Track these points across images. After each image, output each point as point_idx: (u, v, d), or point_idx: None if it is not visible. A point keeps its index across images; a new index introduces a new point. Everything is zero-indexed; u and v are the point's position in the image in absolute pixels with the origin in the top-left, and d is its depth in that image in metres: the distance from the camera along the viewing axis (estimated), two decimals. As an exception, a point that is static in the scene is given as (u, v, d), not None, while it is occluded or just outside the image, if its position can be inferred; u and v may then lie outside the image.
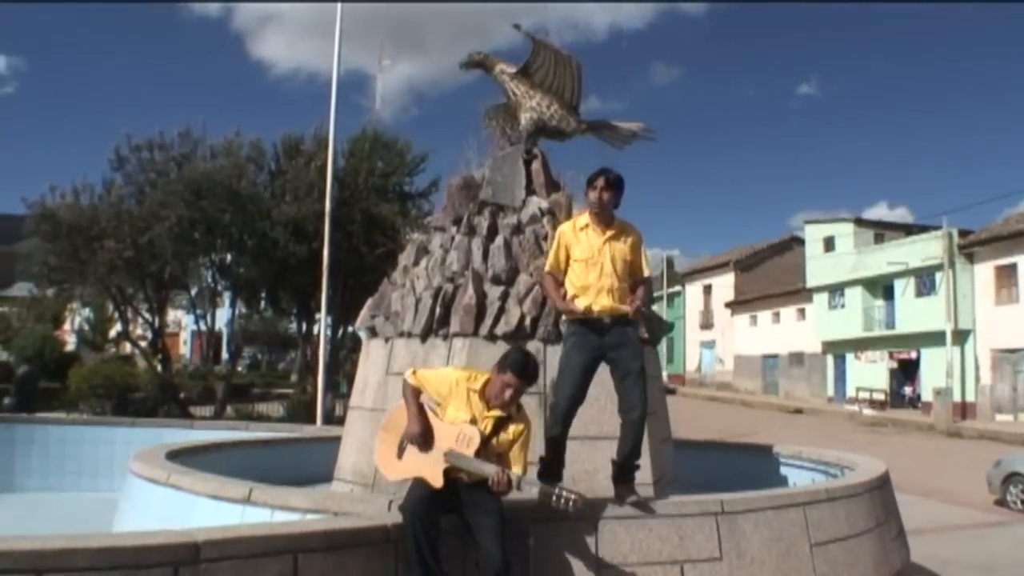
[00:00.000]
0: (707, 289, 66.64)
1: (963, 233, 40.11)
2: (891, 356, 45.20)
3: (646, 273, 6.16)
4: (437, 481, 5.04)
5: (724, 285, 63.34)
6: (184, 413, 24.74)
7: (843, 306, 48.45)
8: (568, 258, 6.01)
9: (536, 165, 8.88)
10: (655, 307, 8.66)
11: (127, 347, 39.27)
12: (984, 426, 34.26)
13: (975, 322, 39.07)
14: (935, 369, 39.81)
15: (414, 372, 5.47)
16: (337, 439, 8.82)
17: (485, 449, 5.11)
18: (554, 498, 5.04)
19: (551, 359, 7.38)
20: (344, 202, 24.26)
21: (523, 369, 5.22)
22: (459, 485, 5.12)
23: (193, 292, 29.17)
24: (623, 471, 5.82)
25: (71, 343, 49.75)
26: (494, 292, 7.84)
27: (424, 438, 5.17)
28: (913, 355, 43.43)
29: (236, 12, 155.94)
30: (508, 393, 5.18)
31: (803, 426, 34.96)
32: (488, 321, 7.67)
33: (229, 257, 26.51)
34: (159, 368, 28.42)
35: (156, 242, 23.48)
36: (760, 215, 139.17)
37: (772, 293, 56.31)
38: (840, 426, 35.67)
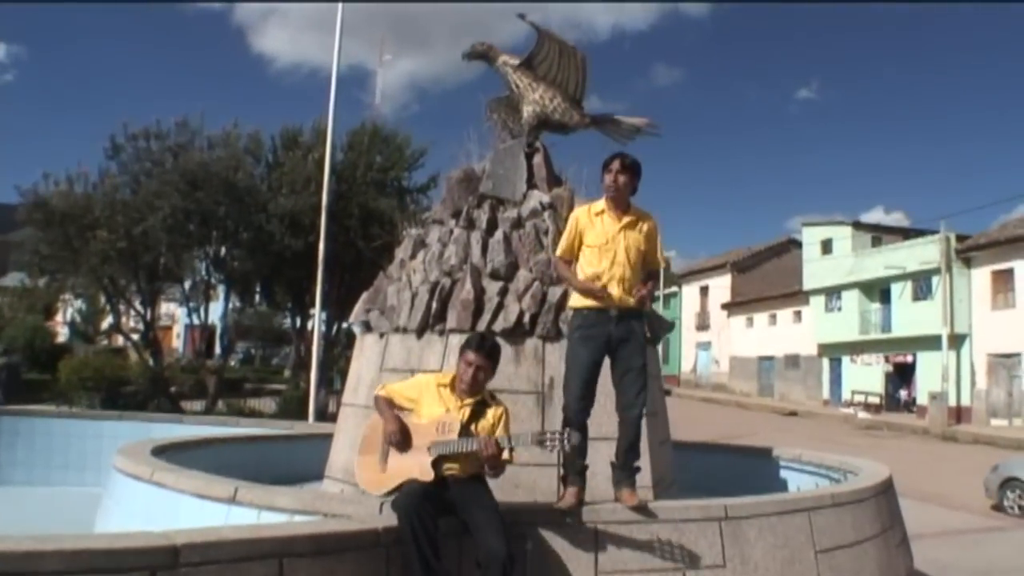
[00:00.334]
0: (704, 290, 66.47)
1: (960, 238, 39.98)
2: (887, 359, 45.10)
3: (660, 264, 5.96)
4: (427, 475, 4.95)
5: (721, 287, 63.18)
6: (175, 407, 24.50)
7: (840, 309, 48.34)
8: (580, 244, 5.80)
9: (538, 159, 8.70)
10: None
11: (119, 339, 39.00)
12: (979, 430, 34.17)
13: (971, 326, 38.93)
14: (931, 373, 39.65)
15: (383, 387, 5.50)
16: (329, 436, 8.64)
17: (469, 441, 4.99)
18: (548, 441, 4.94)
19: (550, 356, 7.23)
20: (342, 196, 24.03)
21: (480, 343, 5.23)
22: (452, 482, 5.00)
23: (187, 285, 28.92)
24: (623, 473, 5.61)
25: (63, 334, 49.55)
26: (492, 287, 7.66)
27: (403, 435, 5.11)
28: (909, 359, 43.32)
29: (238, 6, 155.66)
30: (471, 372, 5.15)
31: (798, 429, 34.87)
32: (486, 317, 7.49)
33: (224, 250, 26.27)
34: (150, 361, 28.18)
35: (150, 233, 23.25)
36: (758, 218, 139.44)
37: (769, 295, 56.15)
38: (835, 429, 35.54)
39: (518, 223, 8.11)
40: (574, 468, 5.52)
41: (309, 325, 27.56)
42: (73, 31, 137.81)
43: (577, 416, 5.50)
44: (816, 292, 49.95)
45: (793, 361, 53.55)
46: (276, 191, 24.81)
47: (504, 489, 5.47)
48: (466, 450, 4.95)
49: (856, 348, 46.71)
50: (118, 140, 24.63)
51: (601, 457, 6.68)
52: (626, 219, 5.76)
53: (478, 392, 5.23)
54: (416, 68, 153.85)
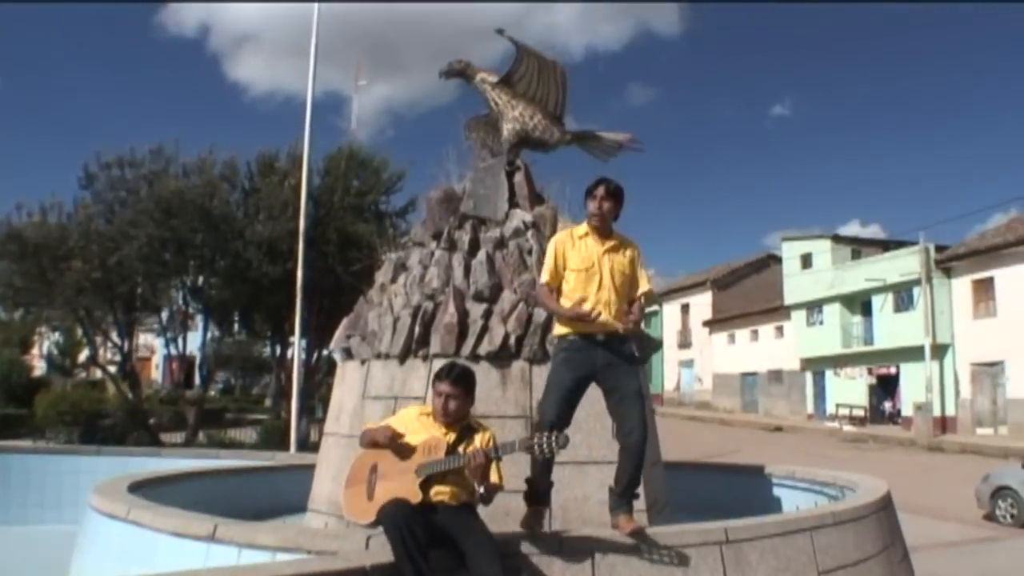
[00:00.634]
0: (684, 308, 66.40)
1: (939, 248, 40.01)
2: (870, 372, 45.05)
3: (644, 288, 5.72)
4: (415, 496, 4.80)
5: (702, 304, 63.11)
6: (154, 440, 24.23)
7: (821, 323, 48.31)
8: (564, 268, 5.60)
9: (519, 177, 8.54)
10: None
11: (97, 372, 38.63)
12: (965, 440, 34.12)
13: (954, 336, 38.93)
14: (915, 384, 39.64)
15: (365, 425, 5.48)
16: (312, 467, 8.44)
17: (456, 457, 4.86)
18: (536, 448, 4.78)
19: (537, 379, 7.04)
20: (319, 221, 23.89)
21: (448, 372, 5.11)
22: (442, 509, 4.83)
23: (164, 315, 28.63)
24: (622, 500, 5.39)
25: (40, 368, 49.09)
26: (476, 310, 7.48)
27: (394, 433, 5.03)
28: (892, 370, 43.28)
29: (212, 33, 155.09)
30: (441, 401, 5.06)
31: (785, 444, 34.78)
32: (470, 340, 7.32)
33: (201, 278, 26.01)
34: (128, 394, 27.83)
35: (125, 262, 23.02)
36: (736, 234, 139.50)
37: (750, 311, 56.13)
38: (821, 443, 35.43)
39: (501, 243, 7.94)
40: (542, 485, 5.40)
41: (289, 353, 27.27)
42: (45, 60, 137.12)
43: None
44: (797, 307, 49.90)
45: (776, 376, 53.48)
46: (253, 218, 24.63)
47: (495, 518, 5.27)
48: (454, 466, 4.81)
49: (839, 361, 46.65)
50: (92, 169, 24.45)
51: (592, 481, 6.52)
52: (609, 243, 5.61)
53: (461, 419, 5.12)
54: (392, 93, 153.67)
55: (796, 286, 49.67)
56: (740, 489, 9.81)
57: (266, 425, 27.11)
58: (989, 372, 37.07)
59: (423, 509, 4.76)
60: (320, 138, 34.38)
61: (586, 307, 5.34)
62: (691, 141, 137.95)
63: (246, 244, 23.93)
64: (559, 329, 5.59)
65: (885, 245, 47.37)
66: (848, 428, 40.93)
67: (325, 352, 25.70)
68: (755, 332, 56.27)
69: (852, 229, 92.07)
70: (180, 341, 28.25)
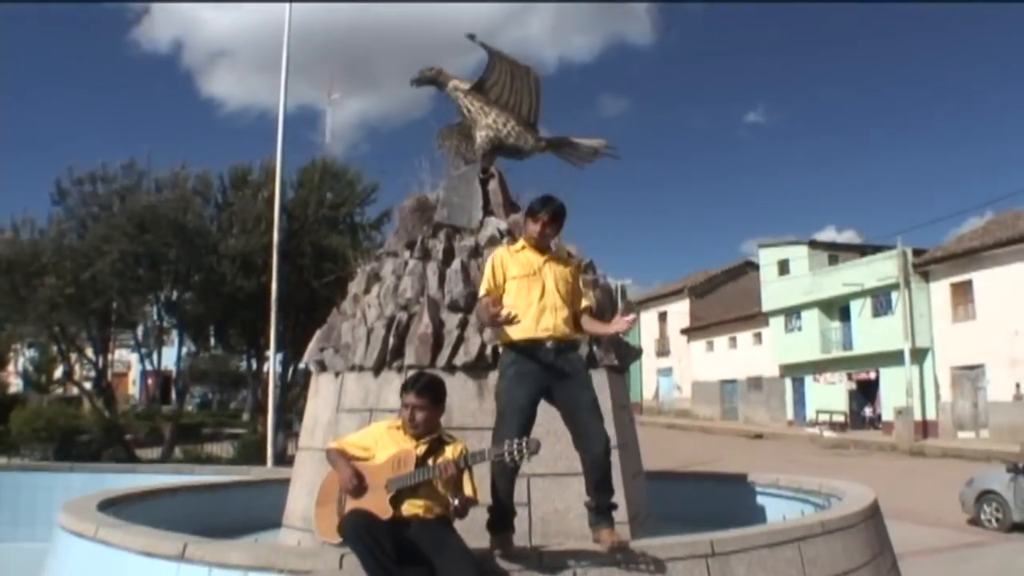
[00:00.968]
0: (662, 316, 66.42)
1: (917, 252, 40.16)
2: (850, 377, 45.11)
3: (585, 303, 5.53)
4: (386, 513, 4.66)
5: (679, 312, 63.17)
6: (130, 456, 23.99)
7: (800, 329, 48.36)
8: (505, 280, 5.40)
9: (493, 184, 8.40)
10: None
11: (74, 388, 38.34)
12: (947, 444, 34.19)
13: (933, 340, 39.03)
14: (895, 389, 39.72)
15: (335, 440, 5.34)
16: (287, 482, 8.24)
17: (426, 469, 4.73)
18: (507, 455, 4.61)
19: (515, 392, 6.87)
20: (293, 234, 23.77)
21: (413, 382, 4.98)
22: (416, 526, 4.69)
23: (139, 331, 28.41)
24: (600, 514, 5.21)
25: (16, 385, 48.68)
26: (452, 320, 7.32)
27: (359, 479, 4.82)
28: (872, 375, 43.35)
29: (185, 49, 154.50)
30: (408, 413, 4.93)
31: (766, 451, 34.75)
32: (446, 352, 7.15)
33: (175, 293, 25.82)
34: (104, 410, 27.57)
35: (99, 278, 22.82)
36: (712, 242, 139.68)
37: (728, 318, 56.21)
38: (802, 449, 35.38)
39: (476, 252, 7.77)
40: (505, 508, 5.19)
41: (265, 367, 27.08)
42: (16, 76, 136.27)
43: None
44: (775, 313, 49.97)
45: (756, 383, 53.50)
46: (226, 232, 24.50)
47: (472, 531, 5.11)
48: (424, 479, 4.68)
49: (818, 367, 46.71)
50: (64, 185, 24.27)
51: (572, 493, 6.36)
52: (549, 255, 5.47)
53: (430, 432, 4.98)
54: (366, 107, 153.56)
55: (774, 292, 49.74)
56: (723, 498, 9.66)
57: (243, 440, 26.93)
58: (969, 375, 37.15)
59: (395, 524, 4.62)
60: (295, 153, 34.53)
61: (505, 312, 5.11)
62: (665, 150, 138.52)
63: (220, 258, 23.83)
64: (504, 337, 5.34)
65: (862, 250, 47.44)
66: (829, 434, 40.89)
67: (301, 366, 25.51)
68: (733, 339, 56.32)
69: (828, 235, 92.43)
70: (155, 356, 28.01)
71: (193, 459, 23.22)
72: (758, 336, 53.21)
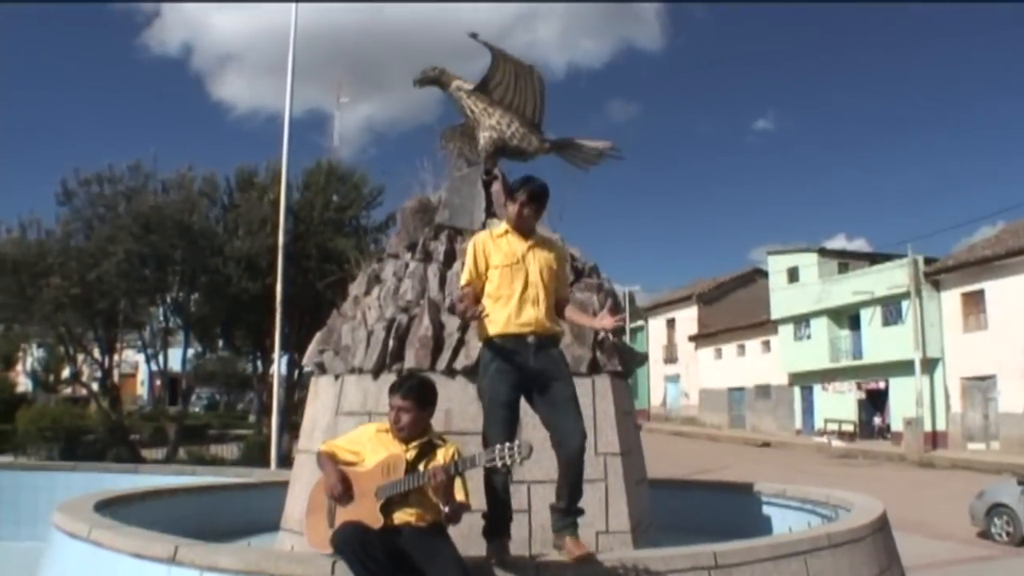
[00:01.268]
0: (670, 323, 66.24)
1: (928, 261, 39.87)
2: (859, 386, 44.82)
3: (565, 292, 5.44)
4: (376, 522, 4.53)
5: (687, 319, 62.95)
6: (135, 456, 23.93)
7: (809, 337, 48.10)
8: (487, 268, 5.26)
9: (496, 186, 8.25)
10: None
11: (82, 389, 38.44)
12: (956, 455, 33.91)
13: (943, 350, 38.74)
14: (904, 399, 39.39)
15: (325, 443, 5.18)
16: (288, 484, 8.11)
17: (417, 476, 4.58)
18: (498, 461, 4.42)
19: (515, 395, 6.74)
20: (299, 236, 23.80)
21: (399, 384, 4.85)
22: (407, 532, 4.57)
23: (145, 332, 28.40)
24: (566, 518, 5.04)
25: (24, 385, 48.76)
26: (452, 323, 7.19)
27: (344, 486, 4.71)
28: (882, 385, 43.07)
29: (195, 53, 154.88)
30: (393, 415, 4.79)
31: (773, 460, 34.52)
32: (446, 355, 7.03)
33: (181, 294, 25.80)
34: (109, 410, 27.55)
35: (104, 278, 22.78)
36: (721, 249, 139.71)
37: (736, 326, 55.97)
38: (810, 459, 35.20)
39: (478, 254, 7.64)
40: (501, 513, 5.08)
41: (270, 369, 27.02)
42: (26, 78, 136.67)
43: None
44: (784, 321, 49.72)
45: (764, 391, 53.28)
46: (232, 233, 24.45)
47: (469, 538, 5.00)
48: (414, 486, 4.54)
49: (827, 376, 46.42)
50: (70, 186, 24.21)
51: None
52: (532, 240, 5.30)
53: (419, 435, 4.83)
54: (373, 111, 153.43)
55: (783, 300, 49.49)
56: (729, 508, 9.52)
57: (248, 441, 26.93)
58: (980, 386, 36.87)
59: (386, 533, 4.49)
60: (303, 156, 34.44)
61: (500, 312, 5.07)
62: (674, 156, 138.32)
63: (225, 260, 23.86)
64: (485, 332, 5.21)
65: (872, 258, 47.16)
66: (837, 444, 40.70)
67: (306, 368, 25.41)
68: (742, 347, 56.09)
69: (838, 243, 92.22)
70: (160, 358, 27.97)
71: (197, 460, 23.18)
72: (766, 344, 52.98)
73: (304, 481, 7.49)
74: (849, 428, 43.64)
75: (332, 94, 65.05)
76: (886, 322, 41.99)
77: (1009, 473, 22.58)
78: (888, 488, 22.22)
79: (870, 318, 43.03)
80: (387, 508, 4.57)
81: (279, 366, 21.57)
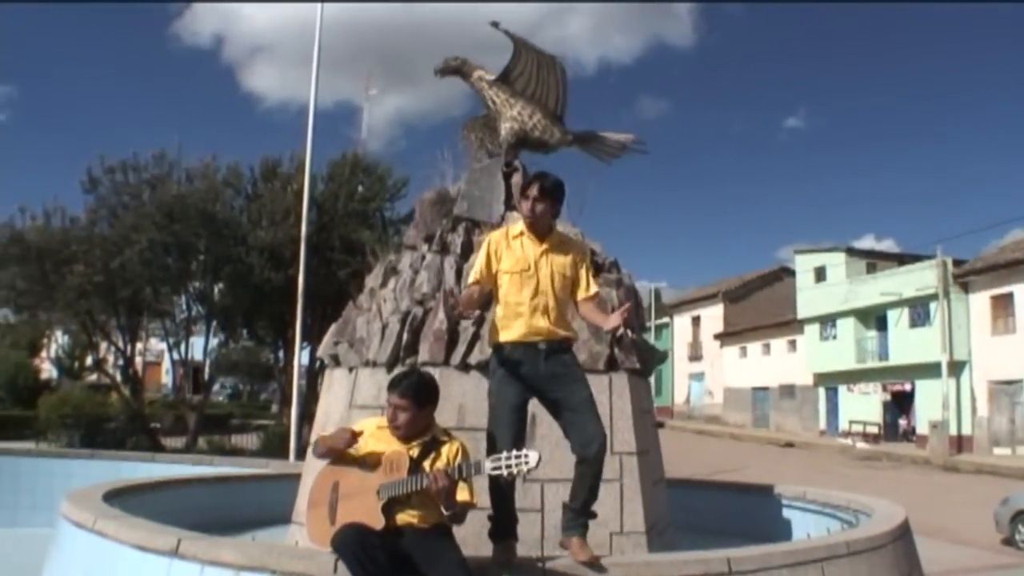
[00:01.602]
0: (695, 320, 66.00)
1: (957, 263, 39.49)
2: (884, 388, 44.48)
3: (592, 290, 5.24)
4: (378, 522, 4.40)
5: (713, 316, 62.68)
6: (154, 444, 23.97)
7: (835, 337, 47.74)
8: (498, 270, 5.13)
9: (516, 178, 8.10)
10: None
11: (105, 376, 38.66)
12: (982, 460, 33.53)
13: (971, 353, 38.36)
14: (930, 401, 39.05)
15: (320, 435, 5.05)
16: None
17: (420, 477, 4.42)
18: (504, 470, 4.28)
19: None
20: (323, 227, 23.72)
21: (397, 382, 4.70)
22: (409, 533, 4.45)
23: (172, 320, 28.48)
24: (577, 519, 4.95)
25: (49, 371, 49.01)
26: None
27: (352, 434, 4.66)
28: (907, 387, 42.71)
29: (226, 43, 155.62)
30: (390, 412, 4.67)
31: (796, 460, 34.29)
32: (460, 349, 6.92)
33: (204, 284, 25.82)
34: (130, 398, 27.63)
35: (127, 266, 22.79)
36: (748, 247, 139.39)
37: (762, 324, 55.65)
38: (833, 460, 34.94)
39: (495, 247, 7.51)
40: (507, 517, 4.96)
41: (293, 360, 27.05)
42: (58, 67, 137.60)
43: None
44: (810, 320, 49.38)
45: (788, 391, 52.95)
46: (255, 223, 24.41)
47: (479, 538, 4.89)
48: (416, 487, 4.38)
49: (852, 377, 46.12)
50: (95, 173, 24.23)
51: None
52: (548, 242, 5.14)
53: (420, 433, 4.69)
54: (403, 104, 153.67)
55: (809, 300, 49.14)
56: (748, 510, 9.40)
57: (269, 432, 26.96)
58: (1007, 390, 36.46)
59: (388, 535, 4.37)
60: (332, 148, 34.26)
61: (513, 322, 5.01)
62: (703, 153, 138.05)
63: (248, 250, 23.81)
64: (495, 337, 5.12)
65: (900, 259, 46.76)
66: (861, 445, 40.39)
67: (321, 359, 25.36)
68: (767, 346, 55.78)
69: (867, 243, 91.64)
70: (183, 347, 28.01)
71: (217, 450, 23.23)
72: (792, 343, 52.65)
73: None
74: (873, 430, 43.32)
75: (362, 86, 65.08)
76: (913, 323, 41.63)
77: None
78: (911, 492, 22.00)
79: (897, 319, 42.66)
80: (389, 508, 4.44)
81: (299, 357, 21.54)
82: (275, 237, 23.55)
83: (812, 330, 49.58)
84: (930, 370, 38.95)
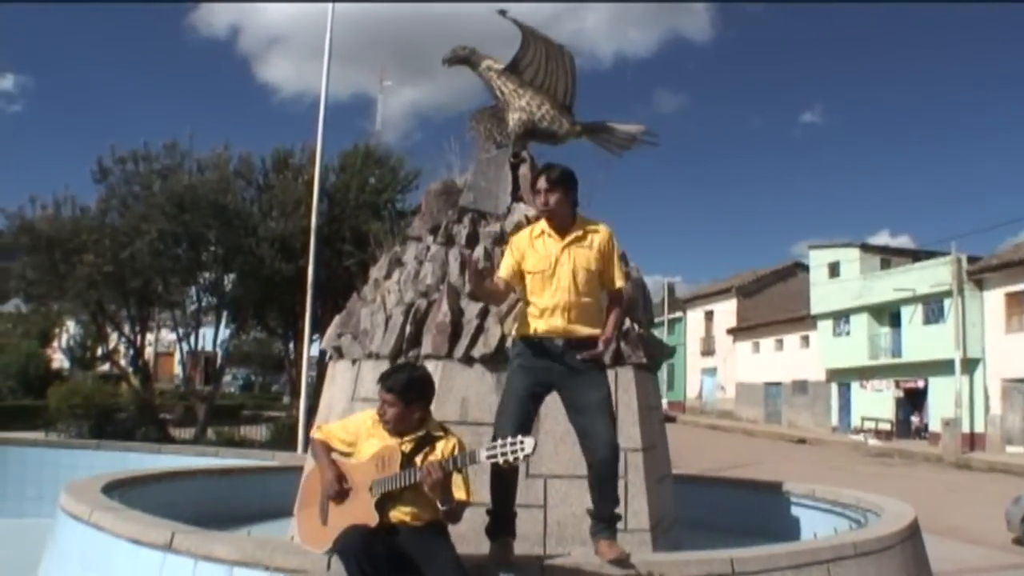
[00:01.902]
0: (709, 315, 65.79)
1: (971, 259, 39.20)
2: (897, 385, 44.20)
3: (618, 284, 5.13)
4: (372, 519, 4.31)
5: (726, 311, 62.44)
6: (163, 435, 23.96)
7: (848, 333, 47.48)
8: (523, 270, 5.08)
9: (524, 169, 8.00)
10: (655, 332, 7.82)
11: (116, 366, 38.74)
12: (994, 458, 33.25)
13: (984, 350, 38.05)
14: (943, 399, 38.77)
15: (319, 428, 4.96)
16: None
17: (413, 471, 4.32)
18: (499, 456, 4.17)
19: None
20: (334, 219, 23.67)
21: (384, 378, 4.58)
22: (404, 531, 4.37)
23: (182, 311, 28.45)
24: (602, 523, 4.89)
25: (61, 361, 49.07)
26: (472, 309, 6.98)
27: (339, 483, 4.48)
28: (920, 384, 42.43)
29: (242, 35, 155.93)
30: (380, 408, 4.57)
31: (807, 457, 34.09)
32: (464, 341, 6.82)
33: (214, 275, 25.79)
34: (140, 389, 27.64)
35: (137, 256, 22.76)
36: (762, 242, 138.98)
37: (775, 320, 55.39)
38: (845, 457, 34.76)
39: (501, 238, 7.38)
40: (505, 512, 4.92)
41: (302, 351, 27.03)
42: (76, 60, 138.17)
43: None
44: (824, 316, 49.10)
45: (801, 387, 52.73)
46: (266, 214, 24.38)
47: (479, 535, 4.83)
48: (410, 482, 4.29)
49: (865, 373, 45.86)
50: (106, 164, 24.22)
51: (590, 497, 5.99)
52: (570, 236, 5.03)
53: (412, 429, 4.57)
54: (418, 96, 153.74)
55: (823, 295, 48.87)
56: (755, 507, 9.32)
57: (278, 423, 26.95)
58: (1021, 388, 36.17)
59: (382, 532, 4.28)
60: (346, 140, 34.29)
61: (537, 322, 5.00)
62: (719, 147, 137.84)
63: (259, 241, 23.75)
64: (515, 330, 5.14)
65: (915, 255, 46.45)
66: (873, 442, 40.15)
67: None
68: (780, 341, 55.53)
69: (881, 239, 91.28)
70: (193, 338, 28.02)
71: (226, 441, 23.18)
72: (805, 339, 52.37)
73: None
74: (886, 427, 43.02)
75: (376, 78, 65.09)
76: (927, 320, 41.31)
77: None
78: (923, 489, 21.86)
79: (911, 316, 42.37)
80: (382, 504, 4.35)
81: (307, 348, 21.51)
82: (286, 228, 23.53)
83: (825, 326, 49.30)
84: (943, 367, 38.66)
